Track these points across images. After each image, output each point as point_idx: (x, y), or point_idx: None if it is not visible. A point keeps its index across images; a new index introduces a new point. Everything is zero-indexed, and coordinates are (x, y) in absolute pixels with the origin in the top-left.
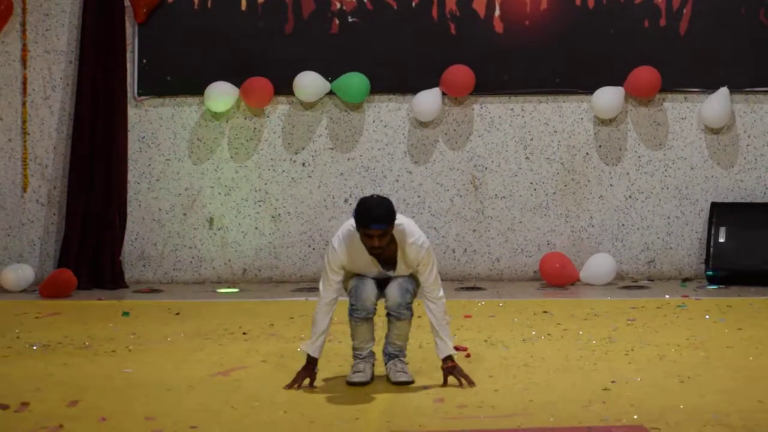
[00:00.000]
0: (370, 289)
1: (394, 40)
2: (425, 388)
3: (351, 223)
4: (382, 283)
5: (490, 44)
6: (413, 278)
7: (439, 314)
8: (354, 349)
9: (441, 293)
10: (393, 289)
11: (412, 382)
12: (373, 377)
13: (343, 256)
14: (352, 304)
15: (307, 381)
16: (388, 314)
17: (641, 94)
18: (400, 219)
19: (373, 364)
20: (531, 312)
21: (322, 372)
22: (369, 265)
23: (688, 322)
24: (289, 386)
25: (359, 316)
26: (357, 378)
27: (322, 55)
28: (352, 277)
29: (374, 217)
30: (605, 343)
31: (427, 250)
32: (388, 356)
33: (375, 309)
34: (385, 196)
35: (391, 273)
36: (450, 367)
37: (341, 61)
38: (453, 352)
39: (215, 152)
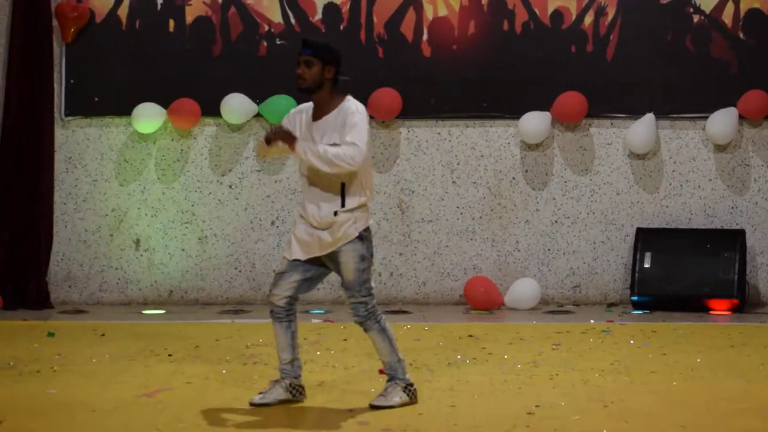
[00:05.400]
0: (285, 283)
1: None
2: (350, 410)
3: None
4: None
5: (418, 68)
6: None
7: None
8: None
9: (352, 142)
10: (346, 279)
11: (390, 407)
12: (284, 400)
13: (290, 114)
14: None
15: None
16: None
17: (568, 119)
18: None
19: (288, 385)
20: (456, 336)
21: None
22: (303, 123)
23: (612, 347)
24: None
25: (271, 311)
26: (255, 398)
27: (250, 77)
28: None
29: (304, 43)
30: (530, 367)
31: (360, 113)
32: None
33: (288, 312)
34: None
35: (319, 132)
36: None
37: (269, 83)
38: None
39: (142, 173)
